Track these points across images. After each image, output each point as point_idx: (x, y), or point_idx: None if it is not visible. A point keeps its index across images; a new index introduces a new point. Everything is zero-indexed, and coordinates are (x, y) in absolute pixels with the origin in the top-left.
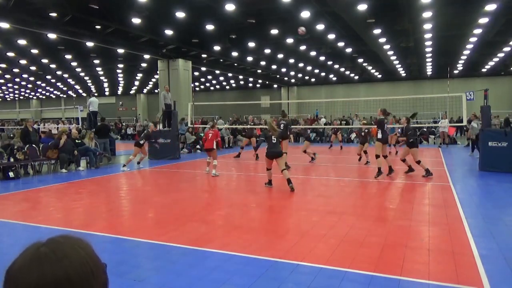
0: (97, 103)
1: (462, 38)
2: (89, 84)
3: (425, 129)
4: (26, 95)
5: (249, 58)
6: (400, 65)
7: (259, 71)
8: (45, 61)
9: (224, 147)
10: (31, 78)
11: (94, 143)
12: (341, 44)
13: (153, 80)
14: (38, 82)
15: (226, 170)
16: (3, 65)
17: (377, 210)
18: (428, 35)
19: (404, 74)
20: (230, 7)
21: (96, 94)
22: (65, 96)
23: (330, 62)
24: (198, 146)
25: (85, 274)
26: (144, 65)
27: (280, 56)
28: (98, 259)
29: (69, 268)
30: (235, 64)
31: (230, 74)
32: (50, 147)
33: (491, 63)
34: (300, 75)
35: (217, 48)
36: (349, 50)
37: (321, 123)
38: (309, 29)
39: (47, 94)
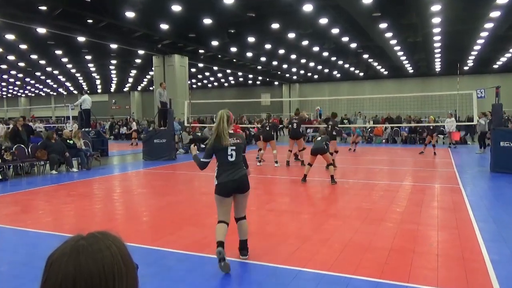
0: (90, 101)
1: (472, 32)
2: (81, 81)
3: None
4: (15, 92)
5: (249, 54)
6: (407, 61)
7: (259, 67)
8: (34, 57)
9: None
10: (20, 75)
11: (84, 143)
12: (345, 39)
13: (148, 77)
14: (27, 79)
15: None
16: None
17: (383, 213)
18: (436, 30)
19: (412, 71)
20: (228, 0)
21: (88, 92)
22: (55, 93)
23: (333, 58)
24: (202, 145)
25: (115, 270)
26: (138, 61)
27: (281, 51)
28: (131, 259)
29: (102, 262)
30: (234, 60)
31: (228, 71)
32: (39, 147)
33: (503, 59)
34: (302, 71)
35: (215, 43)
36: (353, 45)
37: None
38: (312, 23)
39: (36, 91)
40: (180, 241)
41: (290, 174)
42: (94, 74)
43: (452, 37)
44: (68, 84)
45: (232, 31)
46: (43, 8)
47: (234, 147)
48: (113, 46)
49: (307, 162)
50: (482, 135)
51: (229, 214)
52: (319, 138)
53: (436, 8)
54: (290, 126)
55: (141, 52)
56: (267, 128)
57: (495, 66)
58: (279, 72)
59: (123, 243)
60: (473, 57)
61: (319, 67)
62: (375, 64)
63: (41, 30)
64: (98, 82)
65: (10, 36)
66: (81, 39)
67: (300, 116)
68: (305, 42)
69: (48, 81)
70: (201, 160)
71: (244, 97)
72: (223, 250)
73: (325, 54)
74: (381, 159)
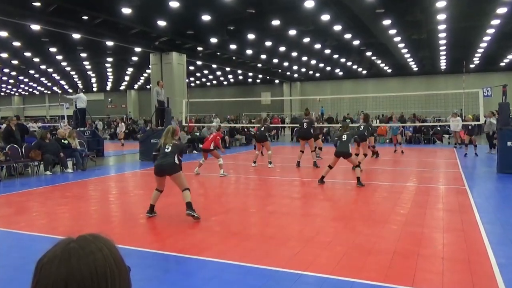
0: (85, 100)
1: (478, 29)
2: (76, 80)
3: (438, 128)
4: (8, 91)
5: (249, 52)
6: (411, 59)
7: (259, 65)
8: (28, 54)
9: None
10: (13, 73)
11: (79, 143)
12: (348, 36)
13: (145, 75)
14: (21, 77)
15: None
16: None
17: (386, 215)
18: (442, 27)
19: (416, 69)
20: None
21: (83, 90)
22: (49, 92)
23: (336, 56)
24: (201, 146)
25: (108, 272)
26: (135, 58)
27: (282, 49)
28: (123, 261)
29: (93, 265)
30: (234, 58)
31: (228, 69)
32: (33, 147)
33: (510, 57)
34: (303, 69)
35: (214, 40)
36: (356, 42)
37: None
38: (313, 20)
39: (30, 90)
40: (177, 243)
41: (293, 175)
42: (89, 72)
43: (458, 34)
44: (62, 82)
45: (232, 28)
46: (37, 4)
47: (171, 145)
48: (109, 43)
49: (328, 164)
50: (492, 135)
51: (162, 186)
52: (344, 137)
53: (441, 4)
54: (300, 126)
55: (138, 49)
56: (262, 129)
57: (502, 64)
58: (279, 70)
59: (115, 246)
60: (479, 55)
61: (321, 65)
62: (379, 61)
63: (35, 27)
64: (93, 80)
65: (3, 33)
66: (76, 36)
67: (310, 116)
68: (306, 39)
69: (42, 79)
70: (153, 153)
71: (244, 96)
72: (152, 211)
73: (327, 51)
74: (384, 159)
